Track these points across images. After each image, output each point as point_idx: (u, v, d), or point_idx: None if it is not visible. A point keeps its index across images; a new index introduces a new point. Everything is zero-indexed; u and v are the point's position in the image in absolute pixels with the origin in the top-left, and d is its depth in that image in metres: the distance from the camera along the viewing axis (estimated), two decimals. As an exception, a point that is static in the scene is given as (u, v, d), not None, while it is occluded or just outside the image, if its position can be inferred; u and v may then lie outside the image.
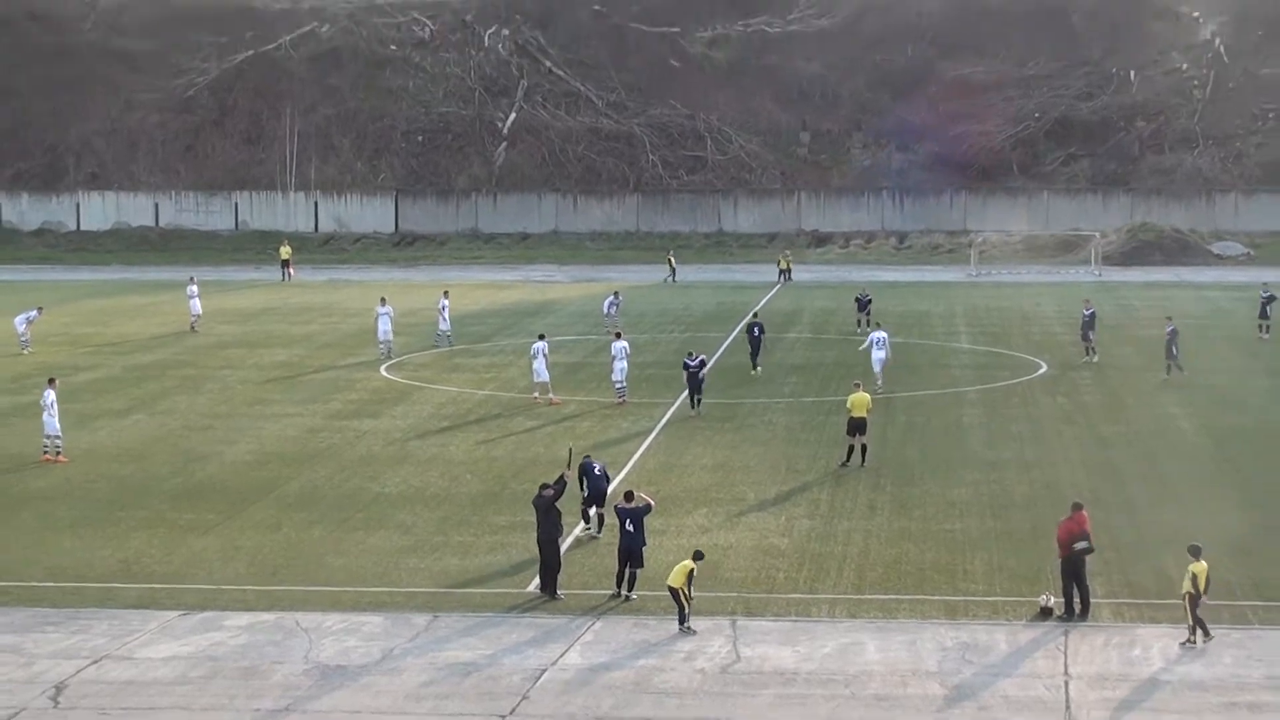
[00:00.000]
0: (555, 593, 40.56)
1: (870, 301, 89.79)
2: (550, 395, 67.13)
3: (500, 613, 39.63)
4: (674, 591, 37.73)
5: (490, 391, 69.99)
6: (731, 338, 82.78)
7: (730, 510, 49.21)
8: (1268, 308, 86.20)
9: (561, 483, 42.64)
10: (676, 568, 37.91)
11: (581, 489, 45.91)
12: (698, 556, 38.45)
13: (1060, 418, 64.18)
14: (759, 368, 75.41)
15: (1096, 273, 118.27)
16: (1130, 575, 41.23)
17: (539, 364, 67.51)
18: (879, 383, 68.34)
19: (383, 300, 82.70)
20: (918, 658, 36.16)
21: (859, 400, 55.66)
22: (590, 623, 38.61)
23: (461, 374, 74.83)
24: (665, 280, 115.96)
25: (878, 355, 70.69)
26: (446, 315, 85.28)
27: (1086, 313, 78.74)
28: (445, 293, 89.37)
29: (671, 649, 36.72)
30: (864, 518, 48.49)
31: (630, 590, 40.11)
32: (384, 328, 79.93)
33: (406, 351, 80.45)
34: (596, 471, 46.58)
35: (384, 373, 75.19)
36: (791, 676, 35.05)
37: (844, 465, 54.82)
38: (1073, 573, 38.77)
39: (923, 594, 40.91)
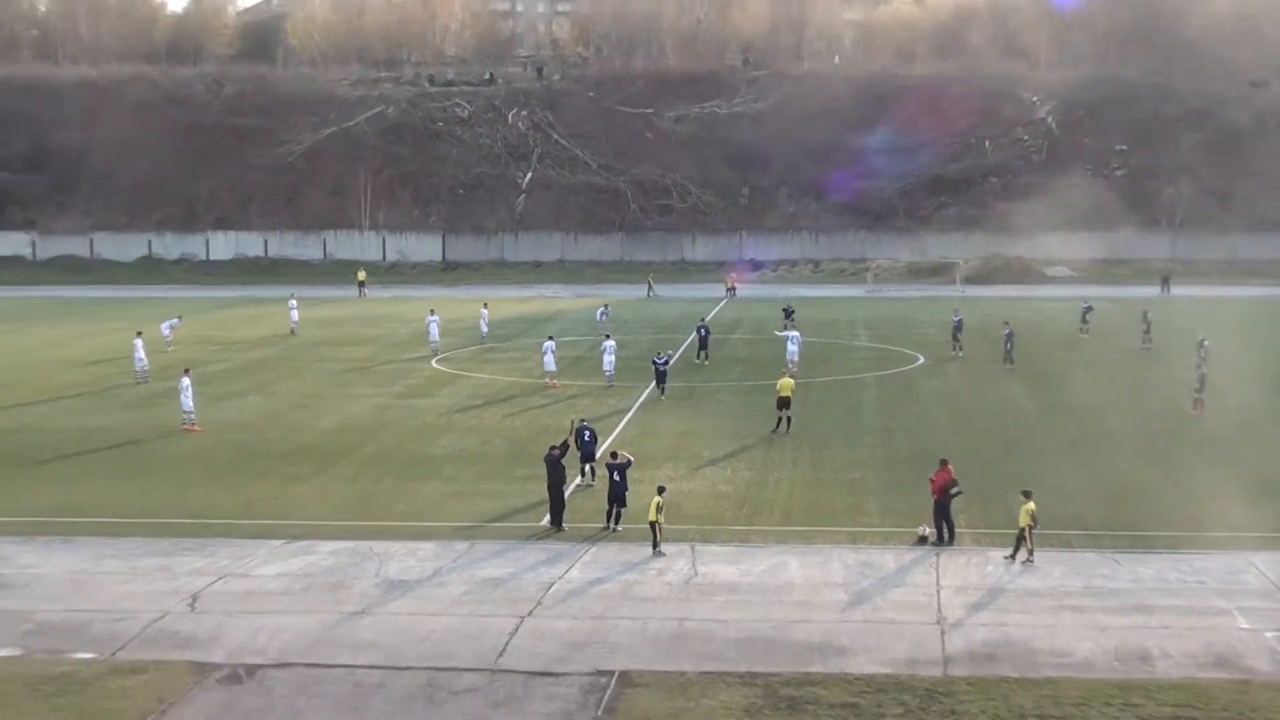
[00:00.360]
0: (561, 526, 40.72)
1: (793, 311, 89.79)
2: (555, 380, 67.14)
3: (520, 541, 39.76)
4: (652, 525, 37.99)
5: (514, 378, 69.92)
6: (691, 338, 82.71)
7: (690, 465, 49.32)
8: (1086, 315, 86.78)
9: (565, 445, 42.93)
10: (650, 505, 38.18)
11: (578, 448, 46.03)
12: (660, 490, 39.05)
13: (933, 397, 64.32)
14: (707, 359, 75.46)
15: (961, 290, 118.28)
16: (985, 513, 41.37)
17: (548, 358, 67.69)
18: (792, 367, 68.39)
19: (432, 311, 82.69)
20: (828, 573, 36.38)
21: (785, 384, 56.13)
22: (588, 548, 38.77)
23: (493, 365, 74.77)
24: (647, 295, 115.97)
25: (791, 349, 71.41)
26: (486, 321, 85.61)
27: (955, 319, 79.03)
28: (485, 305, 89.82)
29: (647, 567, 36.94)
30: (789, 470, 48.64)
31: (618, 524, 40.34)
32: (433, 332, 79.91)
33: (451, 349, 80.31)
34: (586, 438, 46.77)
35: (435, 364, 75.14)
36: (735, 587, 35.27)
37: (774, 432, 54.91)
38: (943, 511, 39.00)
39: (832, 527, 41.06)
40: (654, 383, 63.32)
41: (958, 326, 77.91)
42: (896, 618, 32.90)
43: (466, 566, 37.22)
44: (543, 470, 42.00)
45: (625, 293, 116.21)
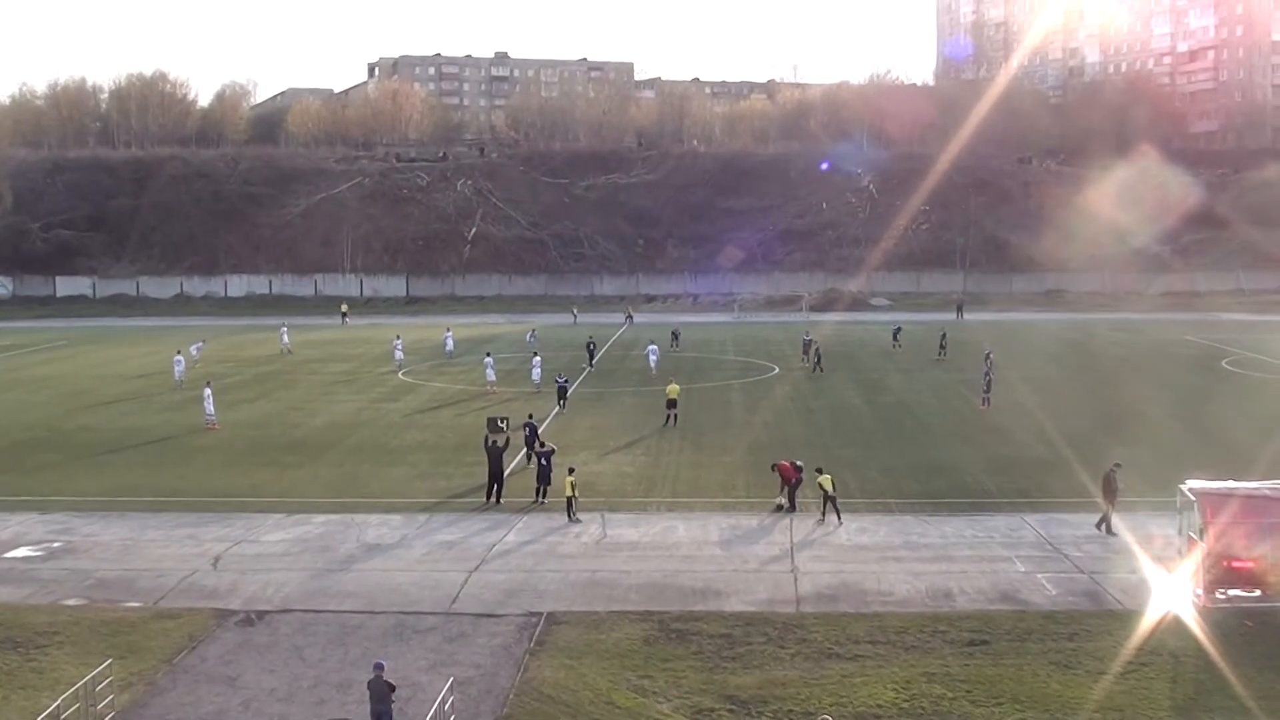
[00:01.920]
0: (499, 501, 40.42)
1: (679, 335, 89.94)
2: (494, 387, 66.73)
3: (468, 513, 39.45)
4: (568, 500, 37.88)
5: (462, 386, 69.43)
6: (601, 354, 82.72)
7: (600, 452, 49.17)
8: (897, 335, 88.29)
9: (505, 443, 42.38)
10: (565, 483, 38.16)
11: (525, 444, 45.85)
12: (571, 471, 38.98)
13: (785, 398, 64.52)
14: (593, 367, 76.49)
15: (806, 315, 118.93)
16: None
17: (489, 371, 67.46)
18: (654, 372, 70.46)
19: (397, 336, 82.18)
20: (707, 533, 36.41)
21: (672, 389, 56.28)
22: (521, 518, 38.55)
23: (446, 377, 74.25)
24: (572, 323, 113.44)
25: (651, 359, 73.76)
26: (451, 342, 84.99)
27: (806, 338, 79.02)
28: (449, 329, 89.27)
29: (567, 531, 36.81)
30: (676, 455, 48.63)
31: (544, 499, 40.10)
32: (398, 352, 79.27)
33: (413, 364, 79.67)
34: (526, 433, 46.87)
35: (400, 376, 74.49)
36: (636, 545, 35.25)
37: (664, 426, 54.86)
38: (793, 488, 39.06)
39: (710, 498, 41.12)
40: (557, 397, 62.25)
41: (807, 344, 77.85)
42: (760, 568, 32.94)
43: (427, 533, 36.91)
44: (485, 457, 41.66)
45: (549, 319, 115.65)
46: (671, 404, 55.61)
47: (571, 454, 46.96)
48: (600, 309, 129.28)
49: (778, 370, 75.65)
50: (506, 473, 42.08)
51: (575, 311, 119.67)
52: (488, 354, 70.38)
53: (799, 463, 39.72)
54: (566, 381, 62.49)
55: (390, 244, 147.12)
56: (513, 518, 38.57)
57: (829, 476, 37.78)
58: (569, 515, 37.92)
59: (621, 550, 34.78)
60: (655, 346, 76.49)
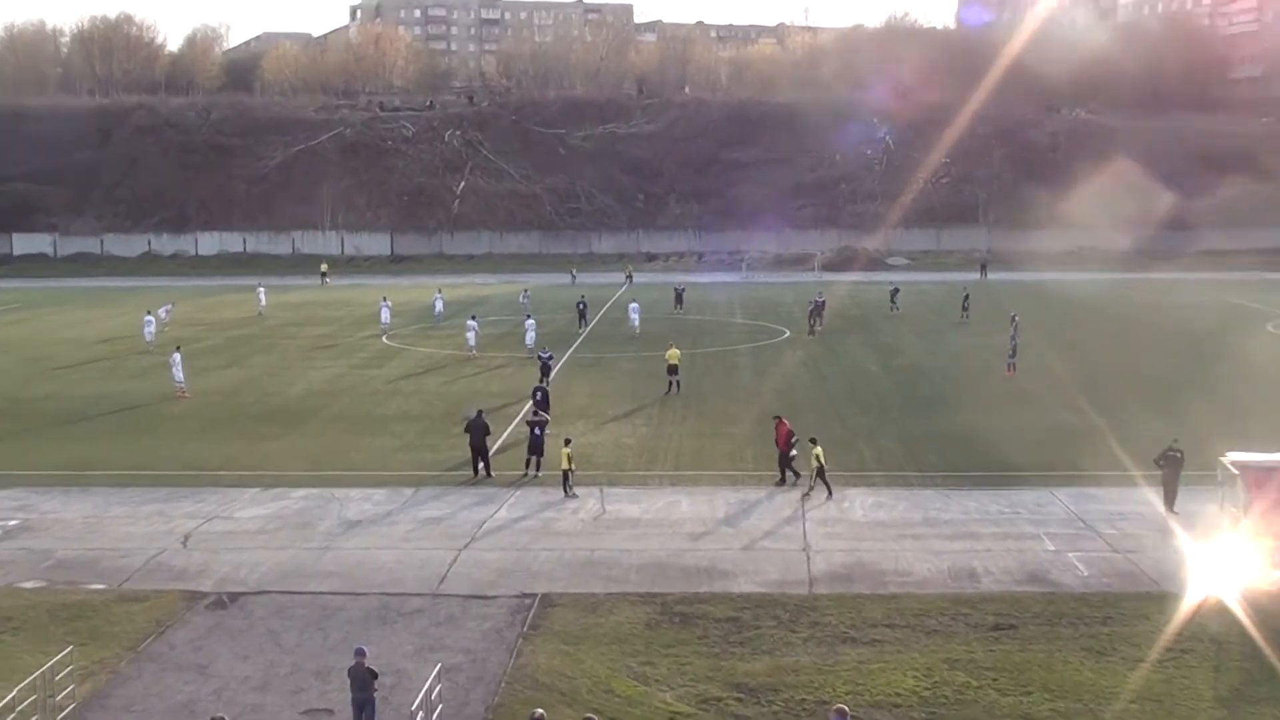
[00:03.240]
0: (489, 474, 40.24)
1: (684, 291, 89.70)
2: (474, 352, 66.58)
3: (457, 486, 39.32)
4: (564, 473, 37.68)
5: (450, 351, 69.16)
6: (599, 316, 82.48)
7: (598, 421, 49.04)
8: (894, 296, 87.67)
9: (478, 414, 41.88)
10: (560, 455, 37.93)
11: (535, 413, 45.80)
12: (567, 442, 38.68)
13: (796, 363, 64.35)
14: (584, 328, 76.81)
15: (819, 275, 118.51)
16: (841, 459, 41.16)
17: (470, 335, 67.68)
18: (637, 331, 71.72)
19: (384, 298, 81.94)
20: (713, 509, 36.25)
21: (672, 354, 56.10)
22: (513, 492, 38.42)
23: (433, 340, 74.00)
24: (571, 283, 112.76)
25: (634, 319, 74.27)
26: (440, 304, 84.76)
27: (818, 299, 78.37)
28: (439, 291, 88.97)
29: (563, 507, 36.67)
30: (679, 424, 48.48)
31: (538, 472, 39.95)
32: (384, 315, 79.02)
33: (398, 328, 79.40)
34: (538, 398, 47.27)
35: (385, 340, 74.29)
36: (637, 522, 35.09)
37: (666, 394, 54.67)
38: (785, 460, 38.84)
39: (716, 471, 40.95)
40: (570, 350, 62.05)
41: (818, 306, 77.28)
42: (770, 546, 32.75)
43: (412, 508, 36.74)
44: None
45: (543, 279, 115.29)
46: (672, 369, 55.40)
47: (567, 424, 46.73)
48: (598, 268, 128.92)
49: (788, 334, 75.36)
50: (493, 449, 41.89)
51: (574, 271, 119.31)
52: (472, 316, 70.24)
53: (794, 434, 39.31)
54: (550, 357, 58.92)
55: (373, 199, 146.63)
56: (504, 492, 38.36)
57: (820, 449, 37.53)
58: (565, 490, 37.72)
59: (621, 527, 34.57)
60: (637, 305, 77.21)
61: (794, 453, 38.78)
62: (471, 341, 67.31)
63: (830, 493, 37.08)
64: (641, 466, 41.81)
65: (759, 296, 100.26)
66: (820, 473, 37.24)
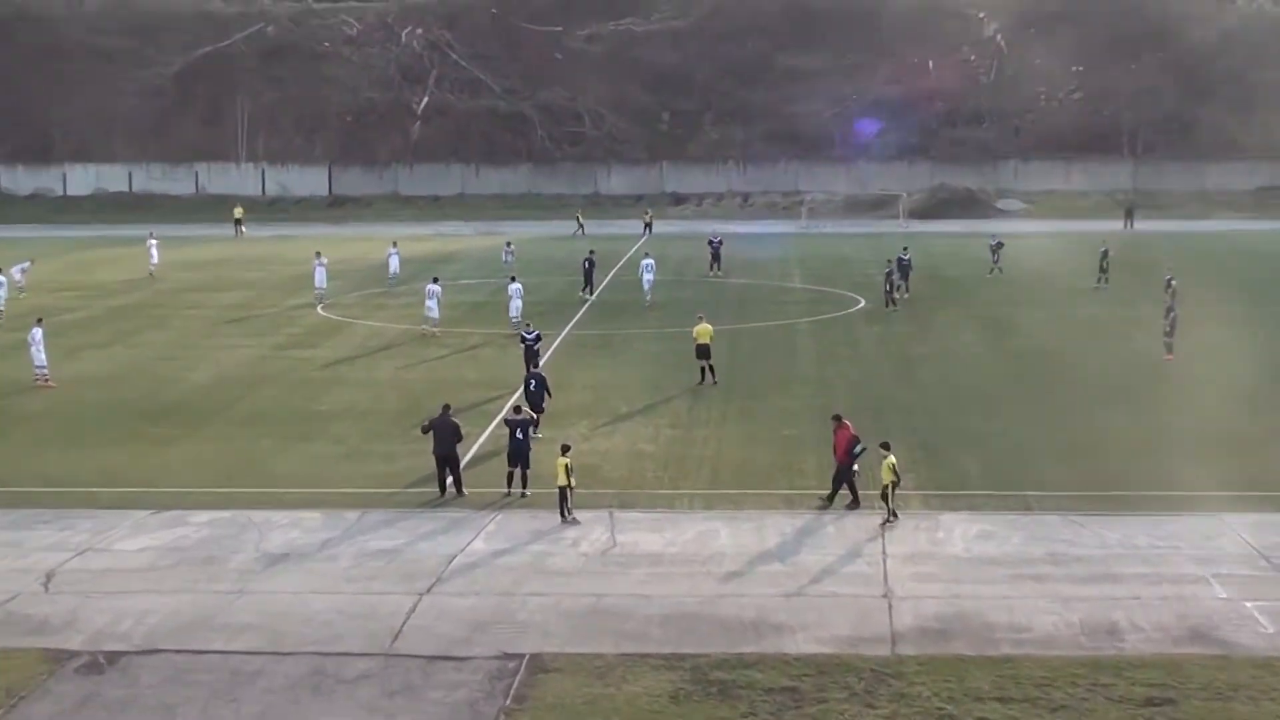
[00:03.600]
0: (460, 492, 40.26)
1: (722, 245, 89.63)
2: (435, 329, 67.00)
3: (417, 508, 39.34)
4: (561, 490, 37.65)
5: (406, 325, 69.38)
6: (609, 278, 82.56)
7: (606, 421, 49.15)
8: (997, 252, 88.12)
9: (445, 409, 41.92)
10: (557, 467, 37.82)
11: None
12: (565, 449, 38.51)
13: (875, 343, 64.45)
14: (591, 293, 78.04)
15: (904, 225, 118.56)
16: (934, 474, 41.20)
17: (430, 305, 67.56)
18: (648, 300, 73.23)
19: (318, 254, 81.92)
20: (762, 541, 36.17)
21: (702, 330, 55.66)
22: (493, 516, 38.43)
23: (384, 312, 74.24)
24: (574, 234, 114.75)
25: (647, 278, 75.03)
26: (396, 262, 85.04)
27: (905, 258, 78.37)
28: (395, 244, 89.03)
29: (560, 536, 36.65)
30: (716, 426, 48.50)
31: (525, 488, 39.91)
32: (319, 277, 79.10)
33: (337, 294, 79.59)
34: (533, 387, 47.27)
35: (320, 311, 74.52)
36: (659, 558, 35.04)
37: (699, 385, 54.64)
38: (846, 475, 38.78)
39: (765, 489, 40.90)
40: (571, 323, 62.10)
41: (907, 266, 77.27)
42: (838, 590, 32.66)
43: (357, 537, 36.73)
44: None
45: (532, 230, 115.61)
46: (702, 352, 55.06)
47: (566, 425, 46.75)
48: (607, 213, 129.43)
49: (864, 304, 75.39)
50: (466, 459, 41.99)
51: (580, 218, 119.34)
52: (434, 279, 70.31)
53: (859, 442, 39.15)
54: (538, 338, 56.27)
55: (304, 121, 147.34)
56: (480, 516, 38.34)
57: (894, 458, 37.42)
58: (562, 514, 37.67)
59: (638, 565, 34.51)
60: (651, 262, 77.39)
61: (856, 466, 38.71)
62: (434, 313, 67.41)
63: (893, 515, 36.98)
64: (665, 483, 41.81)
65: (824, 253, 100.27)
66: (889, 490, 37.09)
